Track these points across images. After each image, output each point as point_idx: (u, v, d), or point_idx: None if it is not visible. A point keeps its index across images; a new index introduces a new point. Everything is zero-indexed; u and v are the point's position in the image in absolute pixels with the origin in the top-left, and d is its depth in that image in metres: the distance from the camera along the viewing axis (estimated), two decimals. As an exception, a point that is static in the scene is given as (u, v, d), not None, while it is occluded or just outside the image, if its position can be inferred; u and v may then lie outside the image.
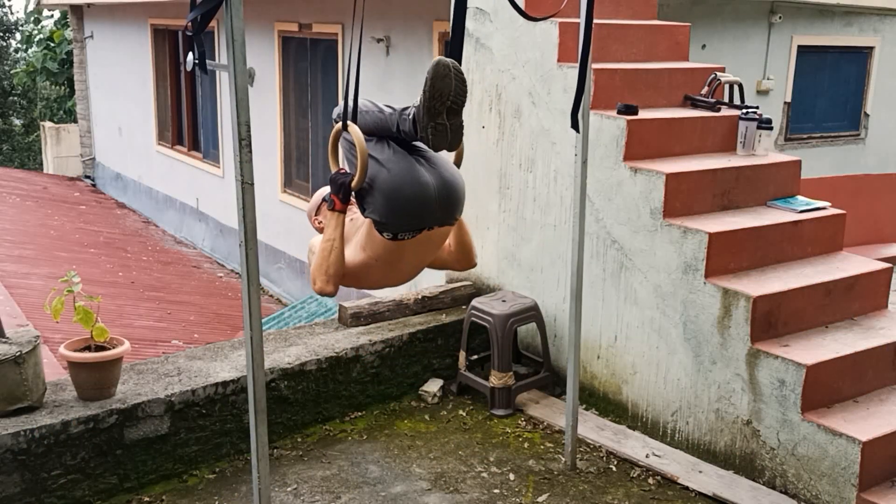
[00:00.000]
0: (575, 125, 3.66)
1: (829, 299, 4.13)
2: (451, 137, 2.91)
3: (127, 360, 3.98)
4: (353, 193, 3.01)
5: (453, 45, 3.12)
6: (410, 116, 2.92)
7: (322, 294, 3.09)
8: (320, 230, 3.41)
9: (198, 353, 4.38)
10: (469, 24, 5.09)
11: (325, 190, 3.44)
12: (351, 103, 2.95)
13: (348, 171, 3.05)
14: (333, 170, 3.07)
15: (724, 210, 4.40)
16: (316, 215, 3.48)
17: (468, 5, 5.02)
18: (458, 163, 3.22)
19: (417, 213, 3.01)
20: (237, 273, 11.06)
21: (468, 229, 3.36)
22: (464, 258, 3.37)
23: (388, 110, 3.02)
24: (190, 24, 2.72)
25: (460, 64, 3.08)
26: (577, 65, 3.65)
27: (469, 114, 5.14)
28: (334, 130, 3.05)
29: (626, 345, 4.46)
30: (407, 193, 2.95)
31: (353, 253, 3.13)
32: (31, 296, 7.68)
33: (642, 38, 5.06)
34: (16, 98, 25.53)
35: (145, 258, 11.31)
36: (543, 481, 3.99)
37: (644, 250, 4.29)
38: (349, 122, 2.95)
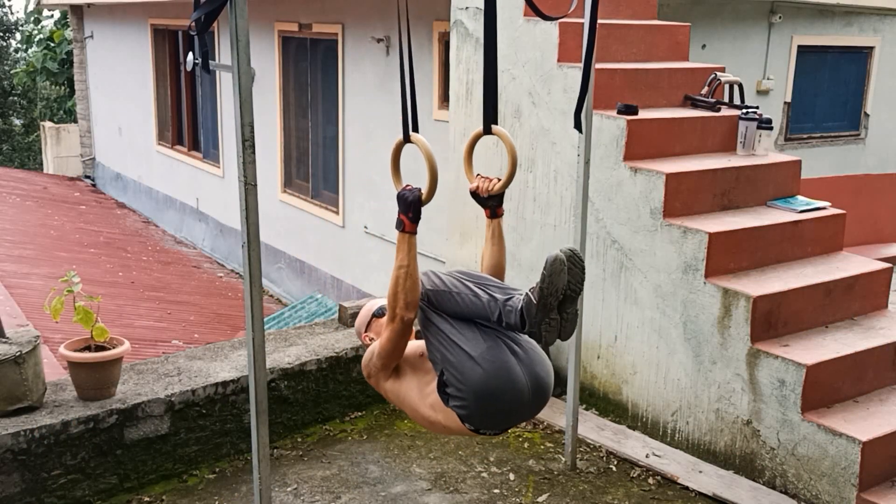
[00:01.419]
0: (578, 125, 3.65)
1: (829, 299, 4.13)
2: (564, 330, 2.65)
3: (127, 360, 3.98)
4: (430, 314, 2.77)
5: (487, 57, 2.98)
6: (518, 310, 2.63)
7: (405, 323, 2.80)
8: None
9: (198, 353, 4.38)
10: (469, 23, 5.09)
11: (373, 303, 3.23)
12: (410, 112, 2.76)
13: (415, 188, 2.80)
14: (397, 188, 2.84)
15: (724, 210, 4.40)
16: (366, 331, 3.19)
17: (468, 5, 5.03)
18: (511, 177, 2.99)
19: (509, 416, 2.82)
20: (237, 273, 11.06)
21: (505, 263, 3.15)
22: None
23: (483, 296, 2.71)
24: (193, 23, 2.72)
25: (496, 72, 2.95)
26: (578, 65, 3.66)
27: (470, 114, 5.15)
28: (395, 144, 2.87)
29: (626, 345, 4.46)
30: (501, 399, 2.71)
31: (420, 402, 2.87)
32: (31, 296, 7.68)
33: (642, 38, 5.06)
34: (16, 98, 25.53)
35: (145, 258, 11.32)
36: (543, 481, 3.99)
37: (644, 250, 4.29)
38: (412, 134, 2.75)
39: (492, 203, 3.04)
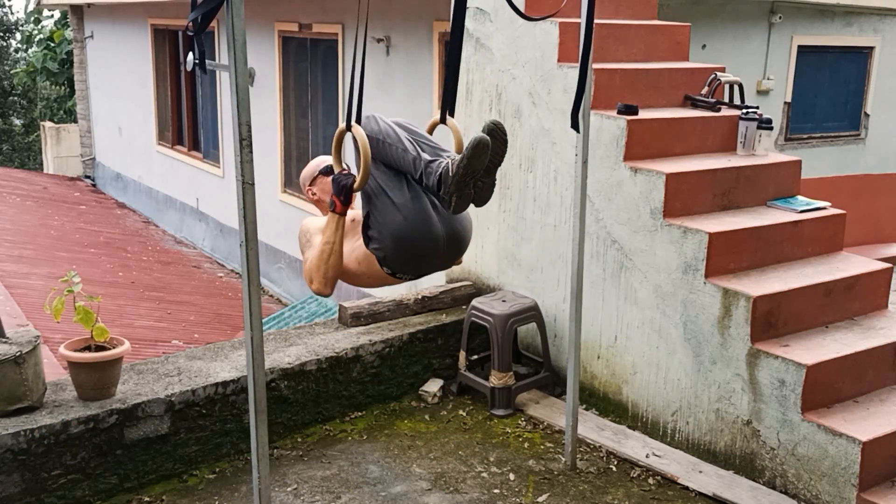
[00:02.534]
0: (575, 125, 3.66)
1: (829, 299, 4.13)
2: (477, 198, 2.84)
3: (127, 360, 3.98)
4: (365, 217, 2.97)
5: (452, 47, 3.10)
6: (437, 173, 2.82)
7: (318, 294, 3.09)
8: (314, 202, 3.41)
9: (198, 353, 4.38)
10: (469, 24, 5.09)
11: (322, 159, 3.43)
12: (355, 104, 2.91)
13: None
14: (336, 170, 3.04)
15: (725, 210, 4.40)
16: (310, 185, 3.41)
17: (468, 5, 5.03)
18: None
19: (422, 262, 3.04)
20: (237, 273, 11.06)
21: None
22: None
23: (412, 152, 2.91)
24: (191, 23, 2.72)
25: (458, 63, 3.06)
26: (578, 65, 3.65)
27: (469, 114, 5.15)
28: (338, 131, 3.02)
29: (626, 345, 4.46)
30: (416, 244, 2.95)
31: (348, 258, 3.11)
32: (31, 296, 7.68)
33: (642, 38, 5.06)
34: (16, 98, 25.54)
35: (145, 258, 11.32)
36: (543, 481, 3.99)
37: (644, 250, 4.29)
38: (353, 124, 2.91)
39: None
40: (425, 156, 2.90)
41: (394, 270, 3.04)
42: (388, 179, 2.95)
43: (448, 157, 2.89)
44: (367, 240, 3.01)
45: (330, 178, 3.24)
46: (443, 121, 3.17)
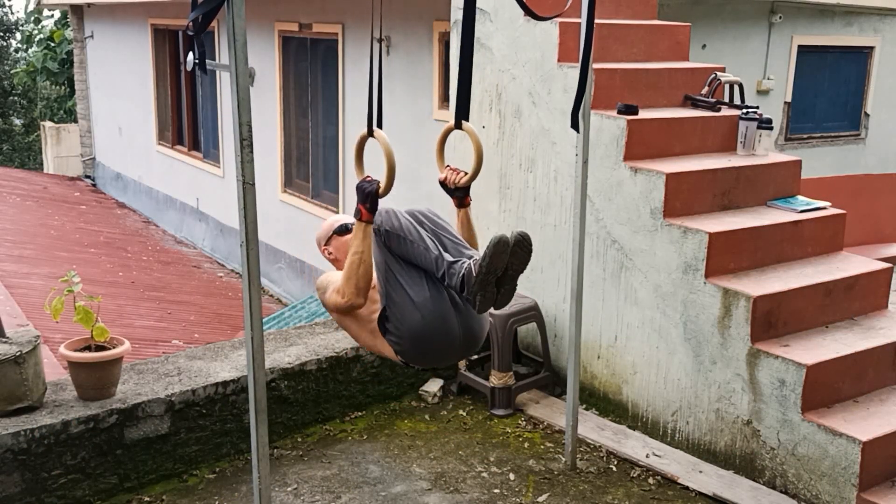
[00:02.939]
0: (575, 125, 3.66)
1: (829, 299, 4.13)
2: (498, 302, 2.81)
3: (127, 360, 3.98)
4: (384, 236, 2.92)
5: (463, 52, 3.06)
6: (460, 275, 2.78)
7: (351, 307, 3.01)
8: (332, 262, 3.34)
9: (198, 353, 4.38)
10: (469, 24, 5.08)
11: (336, 218, 3.39)
12: (375, 108, 2.90)
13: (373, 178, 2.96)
14: (359, 177, 2.98)
15: (725, 210, 4.40)
16: (325, 245, 3.34)
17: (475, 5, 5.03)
18: (476, 172, 3.14)
19: (437, 358, 3.06)
20: (237, 273, 11.06)
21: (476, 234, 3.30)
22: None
23: (433, 251, 2.86)
24: (191, 23, 2.72)
25: (471, 67, 3.01)
26: (578, 65, 3.65)
27: (469, 114, 5.14)
28: (359, 137, 2.98)
29: (627, 345, 4.46)
30: (433, 344, 2.93)
31: (362, 328, 3.09)
32: (31, 296, 7.68)
33: (642, 38, 5.06)
34: (16, 98, 25.54)
35: (145, 258, 11.32)
36: (543, 481, 3.99)
37: (644, 250, 4.29)
38: (376, 129, 2.88)
39: (458, 194, 3.22)
40: (448, 256, 2.86)
41: (408, 362, 3.05)
42: (407, 276, 2.89)
43: (470, 255, 2.87)
44: (384, 330, 2.98)
45: (345, 237, 3.24)
46: (458, 126, 3.14)
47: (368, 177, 2.96)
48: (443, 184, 3.25)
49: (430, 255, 2.85)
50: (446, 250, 2.89)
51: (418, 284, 2.89)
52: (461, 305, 2.93)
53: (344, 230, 3.28)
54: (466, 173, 3.17)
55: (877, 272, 4.32)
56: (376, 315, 3.02)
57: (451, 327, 2.92)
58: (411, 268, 2.90)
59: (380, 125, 2.91)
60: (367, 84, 2.94)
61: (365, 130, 2.93)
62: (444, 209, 5.33)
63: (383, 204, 2.97)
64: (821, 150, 8.62)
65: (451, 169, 3.24)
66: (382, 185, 2.88)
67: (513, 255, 2.72)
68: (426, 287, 2.89)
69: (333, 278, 3.14)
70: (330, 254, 3.33)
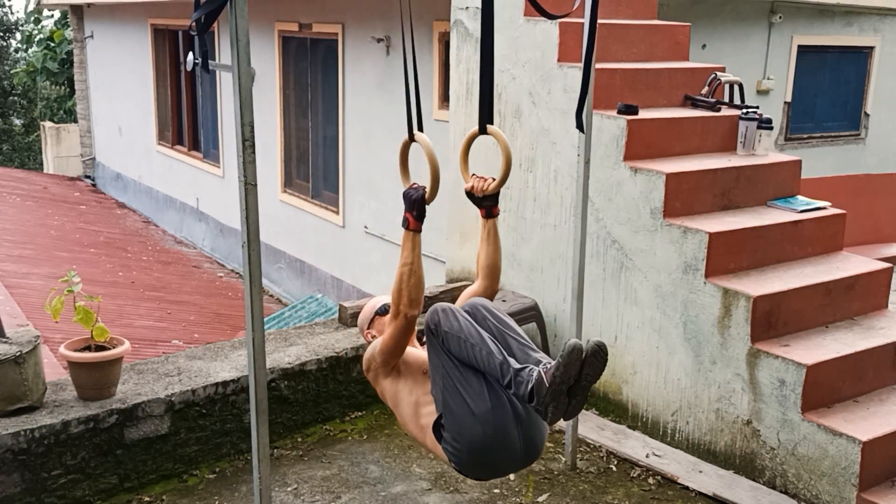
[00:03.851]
0: (580, 125, 3.65)
1: (829, 299, 4.13)
2: (569, 413, 2.57)
3: (127, 360, 3.98)
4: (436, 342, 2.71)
5: (484, 56, 2.98)
6: (529, 385, 2.53)
7: (409, 322, 2.80)
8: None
9: (198, 353, 4.38)
10: (469, 23, 5.09)
11: (376, 300, 3.23)
12: (414, 112, 2.80)
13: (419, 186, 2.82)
14: (405, 185, 2.86)
15: (725, 210, 4.40)
16: (368, 328, 3.18)
17: (468, 5, 5.03)
18: (505, 177, 2.99)
19: (495, 472, 2.86)
20: (237, 273, 11.06)
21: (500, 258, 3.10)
22: (489, 286, 3.08)
23: (498, 356, 2.61)
24: (194, 23, 2.72)
25: (492, 72, 2.90)
26: (578, 65, 3.66)
27: (470, 114, 5.15)
28: (402, 143, 2.88)
29: (627, 345, 4.46)
30: (492, 458, 2.72)
31: (412, 417, 2.89)
32: (31, 296, 7.68)
33: (642, 38, 5.06)
34: (16, 98, 25.53)
35: (145, 258, 11.32)
36: (543, 481, 3.99)
37: (644, 250, 4.29)
38: (417, 133, 2.78)
39: (487, 203, 3.02)
40: (514, 363, 2.61)
41: (461, 472, 2.82)
42: (466, 383, 2.66)
43: (537, 359, 2.67)
44: (439, 437, 2.77)
45: (386, 317, 3.01)
46: (482, 131, 3.01)
47: (415, 184, 2.82)
48: (469, 194, 3.06)
49: (495, 360, 2.60)
50: (512, 353, 2.67)
51: (479, 393, 2.65)
52: (523, 416, 2.70)
53: (385, 311, 3.10)
54: (494, 179, 3.00)
55: (877, 272, 4.32)
56: (427, 410, 2.82)
57: (512, 441, 2.69)
58: (469, 372, 2.67)
59: (420, 128, 2.79)
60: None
61: (406, 137, 2.82)
62: (444, 209, 5.34)
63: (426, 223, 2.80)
64: (821, 150, 8.62)
65: (477, 177, 3.06)
66: (428, 191, 2.75)
67: (588, 364, 2.50)
68: (487, 397, 2.65)
69: (376, 341, 2.98)
70: (373, 337, 3.13)
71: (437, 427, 2.76)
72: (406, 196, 2.78)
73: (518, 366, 2.58)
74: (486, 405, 2.64)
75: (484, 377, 2.66)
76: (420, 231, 2.78)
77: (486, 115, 2.98)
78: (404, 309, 2.77)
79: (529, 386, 2.52)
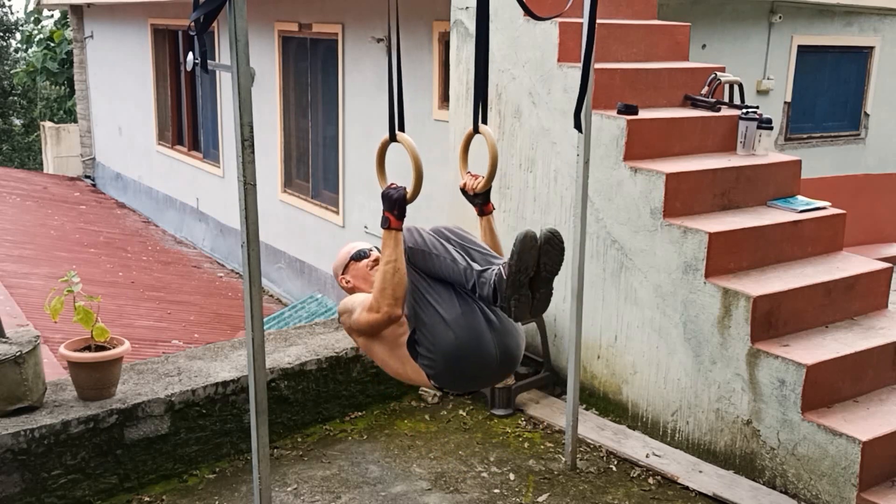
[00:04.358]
0: (578, 125, 3.65)
1: (829, 299, 4.13)
2: (535, 307, 2.68)
3: (127, 360, 3.98)
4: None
5: (478, 56, 3.02)
6: (491, 282, 2.66)
7: (389, 321, 2.85)
8: (349, 290, 3.20)
9: (198, 353, 4.38)
10: (469, 23, 5.08)
11: (351, 245, 3.28)
12: (396, 112, 2.84)
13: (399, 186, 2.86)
14: (382, 186, 2.90)
15: (725, 210, 4.40)
16: (343, 273, 3.21)
17: (467, 5, 5.03)
18: (492, 175, 3.06)
19: (474, 381, 2.91)
20: (237, 273, 11.06)
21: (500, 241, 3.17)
22: None
23: (461, 262, 2.75)
24: (193, 23, 2.72)
25: (487, 72, 2.93)
26: (578, 65, 3.66)
27: (469, 114, 5.15)
28: (381, 143, 2.91)
29: (627, 345, 4.46)
30: (469, 364, 2.79)
31: (391, 355, 2.95)
32: (31, 296, 7.68)
33: (642, 38, 5.06)
34: (16, 98, 25.54)
35: (145, 258, 11.32)
36: (543, 481, 3.99)
37: (644, 250, 4.29)
38: (399, 133, 2.81)
39: (478, 201, 3.13)
40: (476, 266, 2.74)
41: (442, 386, 2.91)
42: (436, 293, 2.78)
43: (500, 263, 2.75)
44: (415, 355, 2.85)
45: (362, 262, 3.13)
46: (476, 130, 3.08)
47: (393, 184, 2.87)
48: (463, 191, 3.16)
49: (459, 266, 2.74)
50: (474, 262, 2.78)
51: (448, 301, 2.77)
52: (495, 322, 2.81)
53: (360, 256, 3.18)
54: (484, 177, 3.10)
55: (877, 272, 4.32)
56: (404, 339, 2.89)
57: (485, 345, 2.78)
58: (439, 284, 2.79)
59: (402, 128, 2.83)
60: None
61: (387, 135, 2.85)
62: (443, 209, 5.34)
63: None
64: (821, 150, 8.62)
65: (470, 175, 3.15)
66: (410, 190, 2.79)
67: (544, 253, 2.61)
68: (457, 304, 2.77)
69: (357, 300, 3.01)
70: (348, 282, 3.19)
71: (412, 344, 2.84)
72: (386, 196, 2.83)
73: (481, 269, 2.71)
74: (457, 310, 2.75)
75: (453, 287, 2.77)
76: (401, 230, 2.83)
77: (479, 114, 3.06)
78: (387, 308, 2.81)
79: (492, 282, 2.64)
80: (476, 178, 3.13)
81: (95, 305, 3.75)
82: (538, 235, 2.61)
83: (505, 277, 2.61)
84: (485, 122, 3.08)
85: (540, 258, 2.61)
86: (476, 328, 2.77)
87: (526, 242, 2.58)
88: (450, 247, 2.81)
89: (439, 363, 2.79)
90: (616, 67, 4.71)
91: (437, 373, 2.82)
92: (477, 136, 3.21)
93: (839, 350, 3.87)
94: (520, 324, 2.91)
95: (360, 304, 2.96)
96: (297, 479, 3.96)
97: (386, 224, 2.82)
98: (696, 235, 4.06)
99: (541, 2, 4.54)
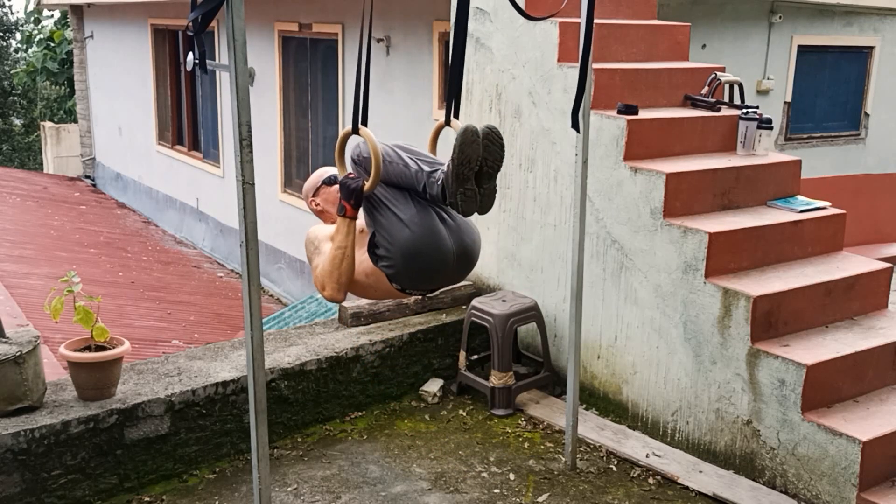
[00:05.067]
0: (575, 125, 3.66)
1: (829, 299, 4.13)
2: (482, 203, 2.82)
3: (127, 360, 3.98)
4: (372, 237, 2.96)
5: (455, 50, 3.09)
6: (439, 181, 2.82)
7: (331, 301, 3.06)
8: (317, 213, 3.38)
9: (198, 353, 4.38)
10: (469, 23, 5.08)
11: (324, 170, 3.42)
12: (361, 105, 2.91)
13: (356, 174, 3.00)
14: (341, 175, 3.02)
15: (725, 210, 4.40)
16: (313, 196, 3.38)
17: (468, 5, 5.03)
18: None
19: (433, 277, 3.02)
20: (237, 273, 11.06)
21: None
22: None
23: (413, 166, 2.90)
24: (191, 23, 2.72)
25: (461, 67, 3.06)
26: (578, 65, 3.65)
27: (469, 114, 5.15)
28: (342, 134, 3.00)
29: (627, 345, 4.46)
30: (426, 259, 2.92)
31: (356, 270, 3.08)
32: (31, 296, 7.68)
33: (642, 38, 5.06)
34: (16, 98, 25.54)
35: (145, 258, 11.32)
36: (543, 481, 3.99)
37: (644, 250, 4.29)
38: (361, 126, 2.90)
39: None
40: (426, 167, 2.88)
41: (403, 286, 3.02)
42: (391, 196, 2.92)
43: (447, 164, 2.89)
44: (376, 258, 2.97)
45: (333, 187, 3.26)
46: (448, 123, 3.16)
47: (351, 173, 2.99)
48: None
49: (410, 170, 2.88)
50: (424, 166, 2.92)
51: (403, 202, 2.91)
52: (449, 221, 2.96)
53: (332, 181, 3.31)
54: None
55: (877, 272, 4.32)
56: (365, 254, 3.02)
57: (442, 240, 2.92)
58: (394, 189, 2.93)
59: (364, 122, 2.92)
60: (359, 81, 2.94)
61: (349, 127, 2.95)
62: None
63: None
64: (821, 150, 8.62)
65: None
66: (369, 182, 2.90)
67: (485, 149, 2.75)
68: (412, 204, 2.91)
69: (322, 236, 3.18)
70: (317, 205, 3.36)
71: (372, 249, 2.97)
72: (343, 185, 2.96)
73: (430, 170, 2.87)
74: (412, 209, 2.89)
75: (408, 192, 2.91)
76: (356, 218, 2.98)
77: (451, 109, 3.16)
78: (330, 292, 3.02)
79: (440, 181, 2.79)
80: None
81: (95, 305, 3.75)
82: (478, 130, 2.74)
83: (450, 176, 2.75)
84: (457, 116, 3.17)
85: (482, 153, 2.75)
86: (431, 226, 2.91)
87: (467, 136, 2.72)
88: (403, 154, 2.94)
89: (398, 261, 2.92)
90: (616, 67, 4.71)
91: (396, 272, 2.95)
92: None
93: (839, 350, 3.87)
94: (475, 225, 3.08)
95: (320, 252, 3.13)
96: (297, 479, 3.96)
97: (342, 212, 2.97)
98: (696, 235, 4.05)
99: (540, 1, 4.55)
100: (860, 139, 9.01)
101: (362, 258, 3.05)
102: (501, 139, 2.80)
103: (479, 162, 2.76)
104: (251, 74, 10.10)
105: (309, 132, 9.63)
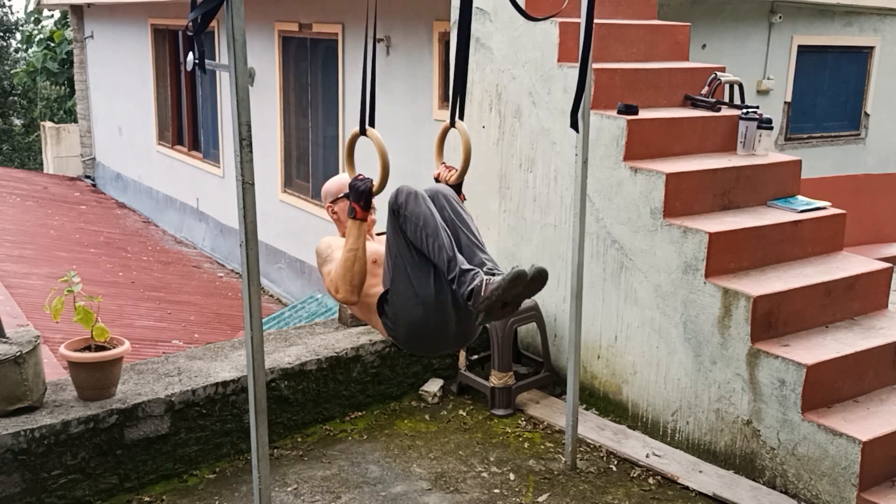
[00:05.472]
0: (574, 125, 3.66)
1: (829, 299, 4.13)
2: (500, 318, 2.87)
3: (127, 360, 3.98)
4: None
5: (459, 51, 3.09)
6: (470, 288, 2.75)
7: (344, 303, 3.07)
8: (334, 220, 3.36)
9: (198, 353, 4.38)
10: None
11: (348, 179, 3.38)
12: (368, 107, 2.93)
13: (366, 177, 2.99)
14: (350, 176, 3.01)
15: (725, 210, 4.40)
16: (333, 202, 3.36)
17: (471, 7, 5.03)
18: (464, 169, 3.22)
19: (428, 350, 3.15)
20: (237, 273, 11.06)
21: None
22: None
23: (447, 251, 2.80)
24: (191, 23, 2.73)
25: (465, 68, 3.06)
26: (578, 65, 3.65)
27: (469, 114, 5.15)
28: (351, 135, 3.00)
29: (627, 345, 4.46)
30: (428, 336, 2.99)
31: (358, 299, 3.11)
32: (31, 296, 7.68)
33: (642, 38, 5.06)
34: (16, 98, 25.54)
35: (145, 258, 11.32)
36: (543, 481, 3.99)
37: (644, 250, 4.29)
38: (368, 128, 2.91)
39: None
40: (461, 259, 2.81)
41: (399, 347, 3.13)
42: (414, 265, 2.88)
43: (480, 260, 2.86)
44: (381, 312, 3.02)
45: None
46: (452, 124, 3.19)
47: (360, 175, 2.98)
48: (437, 180, 3.31)
49: (444, 255, 2.81)
50: (461, 249, 2.87)
51: (425, 278, 2.88)
52: (462, 305, 2.91)
53: None
54: (457, 170, 3.27)
55: (877, 272, 4.32)
56: (375, 291, 3.05)
57: (448, 322, 2.94)
58: (421, 258, 2.88)
59: (372, 123, 2.92)
60: (365, 83, 2.95)
61: (356, 129, 2.95)
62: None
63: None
64: (821, 150, 8.62)
65: (445, 166, 3.32)
66: (377, 183, 2.90)
67: (526, 286, 2.71)
68: (431, 283, 2.88)
69: (335, 245, 3.18)
70: (334, 213, 3.35)
71: (381, 302, 3.00)
72: (353, 187, 2.95)
73: (465, 266, 2.79)
74: (430, 290, 2.87)
75: (433, 265, 2.87)
76: (366, 220, 2.97)
77: (455, 109, 3.18)
78: (344, 294, 3.01)
79: (470, 288, 2.75)
80: (450, 171, 3.29)
81: (95, 305, 3.75)
82: (528, 273, 2.70)
83: (482, 297, 2.72)
84: (461, 118, 3.18)
85: (522, 291, 2.73)
86: (443, 310, 2.91)
87: (517, 281, 2.68)
88: (440, 225, 2.85)
89: (401, 331, 2.98)
90: (616, 67, 4.71)
91: (397, 335, 3.03)
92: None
93: (839, 350, 3.87)
94: None
95: (331, 260, 3.13)
96: (297, 479, 3.96)
97: (352, 214, 2.95)
98: (696, 235, 4.05)
99: (540, 1, 4.55)
100: (860, 139, 9.01)
101: (371, 293, 3.07)
102: (546, 279, 2.75)
103: (515, 298, 2.74)
104: (251, 74, 10.10)
105: (309, 132, 9.63)
